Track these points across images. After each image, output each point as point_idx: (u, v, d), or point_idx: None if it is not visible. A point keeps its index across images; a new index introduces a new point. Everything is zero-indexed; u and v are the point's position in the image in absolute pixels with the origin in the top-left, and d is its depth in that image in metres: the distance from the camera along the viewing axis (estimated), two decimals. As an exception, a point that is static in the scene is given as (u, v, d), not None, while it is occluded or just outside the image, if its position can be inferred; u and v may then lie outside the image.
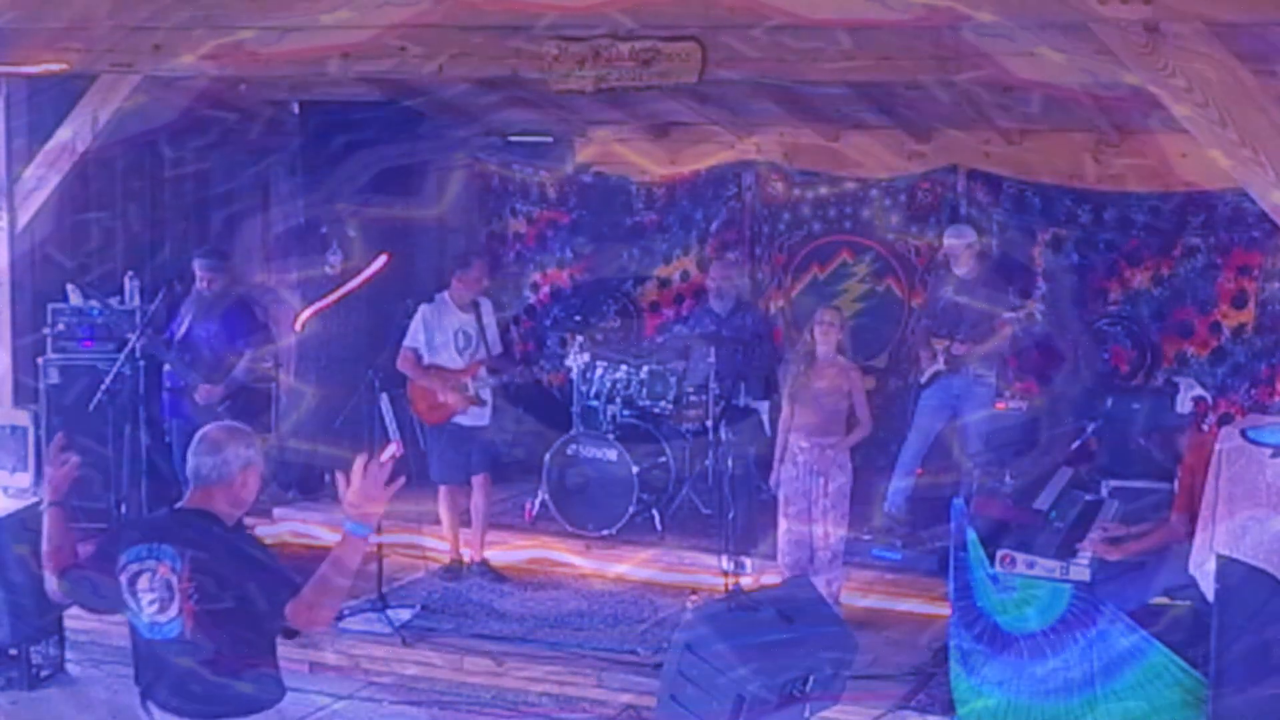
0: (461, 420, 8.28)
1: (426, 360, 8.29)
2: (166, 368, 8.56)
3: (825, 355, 7.60)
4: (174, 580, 4.15)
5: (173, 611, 4.17)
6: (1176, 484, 6.32)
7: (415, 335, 8.31)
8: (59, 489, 4.45)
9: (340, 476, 4.10)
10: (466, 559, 8.49)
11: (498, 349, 8.55)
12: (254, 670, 4.26)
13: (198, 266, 8.48)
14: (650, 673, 6.71)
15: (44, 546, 4.38)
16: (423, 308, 8.37)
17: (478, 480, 8.35)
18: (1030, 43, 6.08)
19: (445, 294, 8.38)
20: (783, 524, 7.59)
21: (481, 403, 8.32)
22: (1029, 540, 6.39)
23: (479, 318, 8.38)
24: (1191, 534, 5.73)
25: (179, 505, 4.36)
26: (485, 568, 8.45)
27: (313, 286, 10.14)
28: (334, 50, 7.09)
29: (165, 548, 4.19)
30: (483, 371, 8.34)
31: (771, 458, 7.80)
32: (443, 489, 8.39)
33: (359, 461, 4.07)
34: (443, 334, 8.29)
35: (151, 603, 4.19)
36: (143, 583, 4.20)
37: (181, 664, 4.19)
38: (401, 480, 4.11)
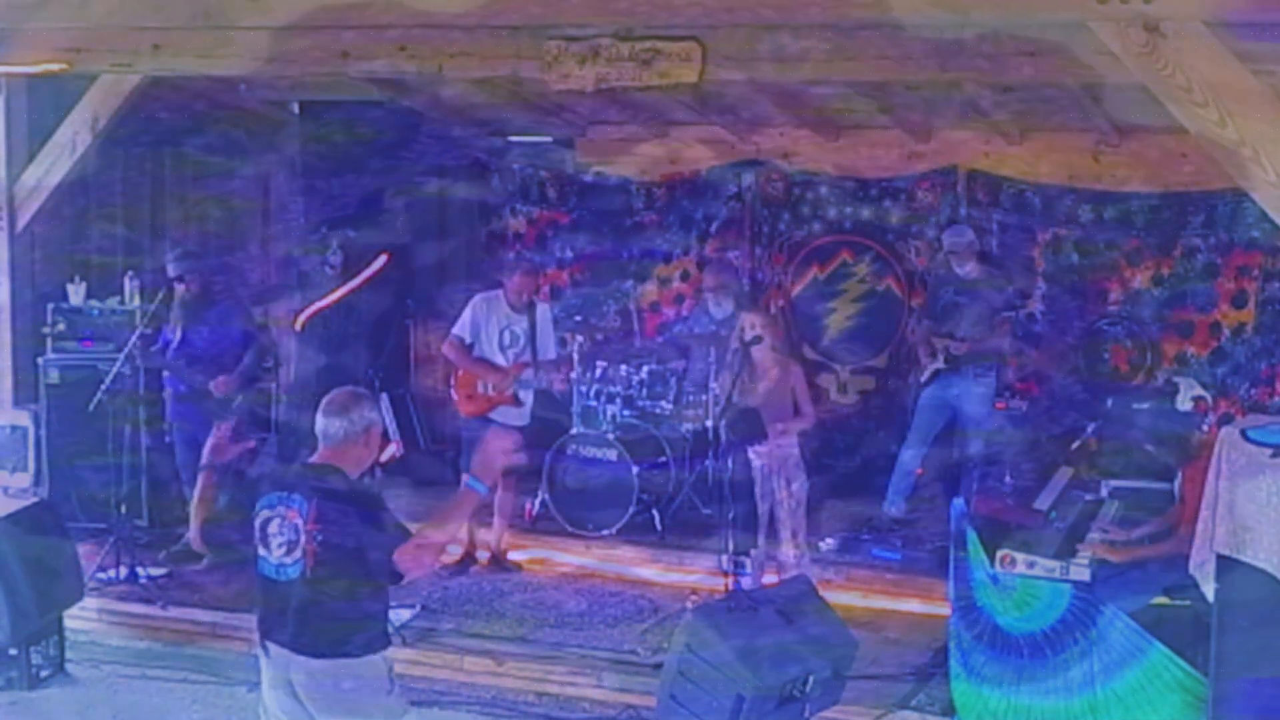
0: (502, 419, 8.24)
1: (475, 353, 8.30)
2: (166, 373, 8.55)
3: (762, 355, 7.57)
4: (300, 524, 4.64)
5: (298, 553, 4.65)
6: (1178, 490, 6.27)
7: (463, 325, 8.33)
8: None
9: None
10: (483, 560, 8.53)
11: (549, 355, 8.52)
12: (365, 614, 4.71)
13: (172, 270, 8.42)
14: (650, 673, 6.70)
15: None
16: (476, 298, 8.38)
17: (509, 480, 8.31)
18: (1030, 43, 6.08)
19: (500, 290, 8.38)
20: None
21: (519, 404, 8.32)
22: (1029, 540, 6.39)
23: (533, 320, 8.37)
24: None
25: (310, 460, 4.85)
26: (504, 560, 8.53)
27: (313, 286, 10.14)
28: (334, 50, 7.08)
29: (295, 496, 4.69)
30: (527, 373, 8.34)
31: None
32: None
33: (491, 431, 4.97)
34: (489, 330, 8.31)
35: (280, 545, 4.69)
36: (273, 528, 4.71)
37: (300, 602, 4.65)
38: (520, 455, 4.94)
